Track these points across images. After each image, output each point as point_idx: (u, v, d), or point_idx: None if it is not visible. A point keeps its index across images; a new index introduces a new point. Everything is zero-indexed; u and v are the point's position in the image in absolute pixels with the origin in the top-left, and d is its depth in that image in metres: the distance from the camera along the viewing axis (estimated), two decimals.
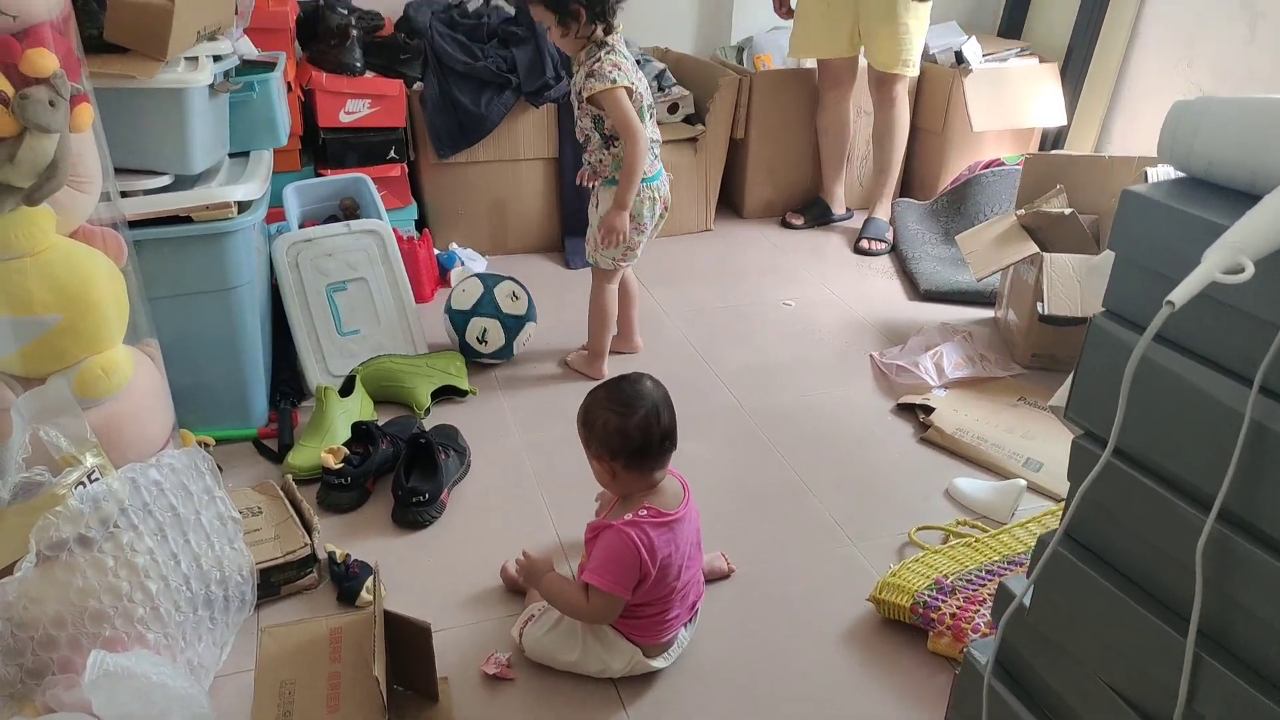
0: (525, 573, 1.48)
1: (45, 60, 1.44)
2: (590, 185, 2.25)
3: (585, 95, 2.06)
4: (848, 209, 3.38)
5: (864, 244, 3.14)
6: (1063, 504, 1.80)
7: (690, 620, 1.52)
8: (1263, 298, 0.69)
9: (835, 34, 3.00)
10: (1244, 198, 0.75)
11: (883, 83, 3.07)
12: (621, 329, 2.44)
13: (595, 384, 2.29)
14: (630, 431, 1.37)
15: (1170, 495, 0.79)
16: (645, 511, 1.39)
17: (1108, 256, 1.41)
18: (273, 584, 1.61)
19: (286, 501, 1.75)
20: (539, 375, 2.39)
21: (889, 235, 3.17)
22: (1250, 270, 0.64)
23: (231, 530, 1.55)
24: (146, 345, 1.84)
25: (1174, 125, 0.79)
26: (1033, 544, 1.71)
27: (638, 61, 3.22)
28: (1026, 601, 0.98)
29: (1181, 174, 0.81)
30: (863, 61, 3.10)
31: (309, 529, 1.69)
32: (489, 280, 2.38)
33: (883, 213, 3.25)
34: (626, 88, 2.06)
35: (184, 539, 1.47)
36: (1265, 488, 0.73)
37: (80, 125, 1.56)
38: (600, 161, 2.18)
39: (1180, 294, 0.67)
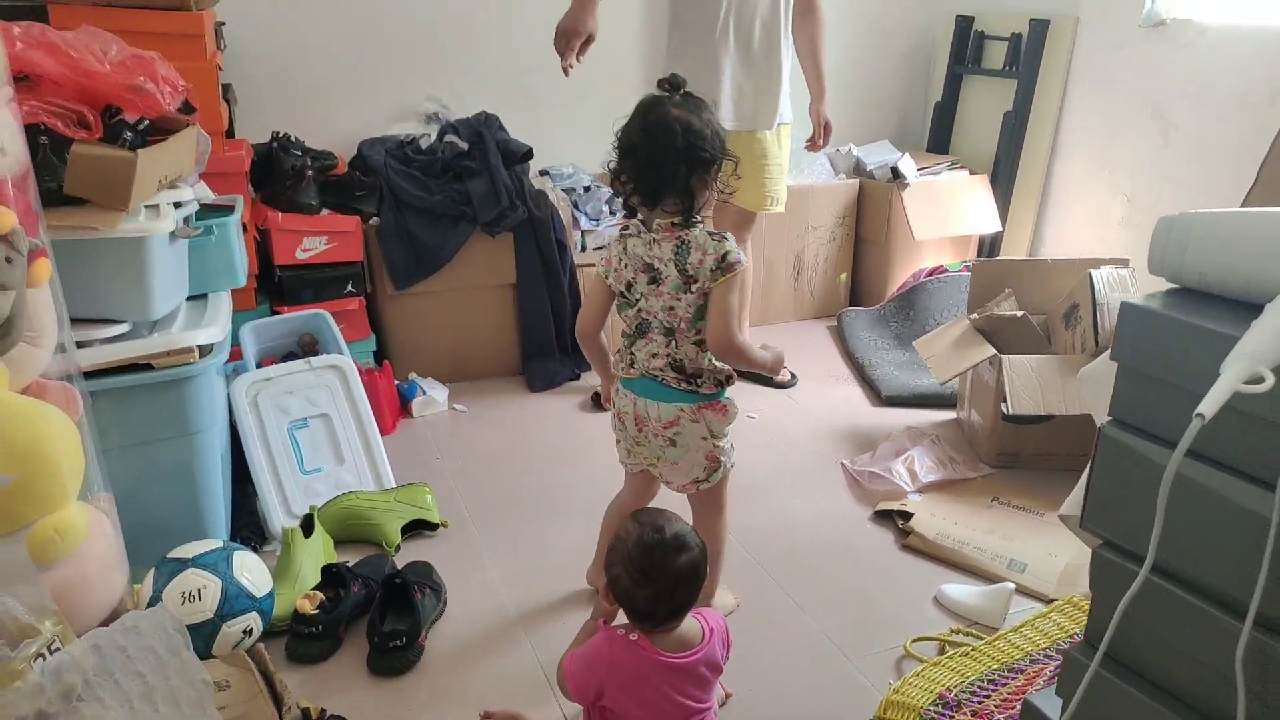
0: None
1: (2, 218, 1.41)
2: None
3: (724, 275, 1.55)
4: None
5: None
6: (1049, 604, 1.80)
7: None
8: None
9: None
10: (1239, 306, 0.78)
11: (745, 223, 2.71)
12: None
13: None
14: (637, 601, 1.36)
15: (1203, 604, 0.79)
16: (637, 637, 1.36)
17: (1101, 364, 1.45)
18: None
19: (257, 673, 1.62)
20: (513, 502, 2.33)
21: None
22: (1271, 380, 0.66)
23: (202, 693, 1.45)
24: (99, 500, 1.76)
25: (1163, 241, 0.83)
26: (1029, 649, 1.71)
27: (586, 189, 3.31)
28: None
29: (1173, 285, 0.84)
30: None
31: (280, 706, 1.54)
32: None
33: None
34: None
35: (154, 709, 1.37)
36: None
37: (38, 280, 1.52)
38: (693, 360, 1.62)
39: (1208, 406, 0.68)
